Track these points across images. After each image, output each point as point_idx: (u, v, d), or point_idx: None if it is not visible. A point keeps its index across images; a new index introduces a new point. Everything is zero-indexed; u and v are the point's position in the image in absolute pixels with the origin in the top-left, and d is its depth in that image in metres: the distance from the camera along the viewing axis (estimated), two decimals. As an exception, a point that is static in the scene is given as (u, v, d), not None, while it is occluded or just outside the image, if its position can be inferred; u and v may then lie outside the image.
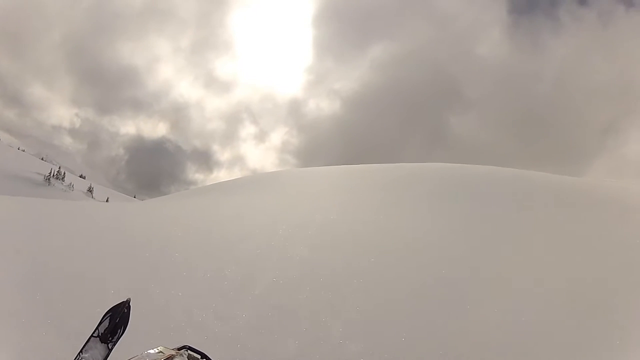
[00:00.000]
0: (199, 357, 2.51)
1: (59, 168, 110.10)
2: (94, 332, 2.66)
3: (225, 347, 4.32)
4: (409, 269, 6.47)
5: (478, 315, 4.98)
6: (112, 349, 2.64)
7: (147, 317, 4.65)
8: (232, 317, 4.95)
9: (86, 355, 2.57)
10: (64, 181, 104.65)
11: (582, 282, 5.70)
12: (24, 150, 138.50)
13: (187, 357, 2.46)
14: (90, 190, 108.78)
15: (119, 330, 2.72)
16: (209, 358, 2.52)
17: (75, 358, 2.51)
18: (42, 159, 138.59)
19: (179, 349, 2.50)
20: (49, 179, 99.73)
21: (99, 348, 2.61)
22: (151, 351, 2.32)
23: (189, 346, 2.66)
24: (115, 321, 2.71)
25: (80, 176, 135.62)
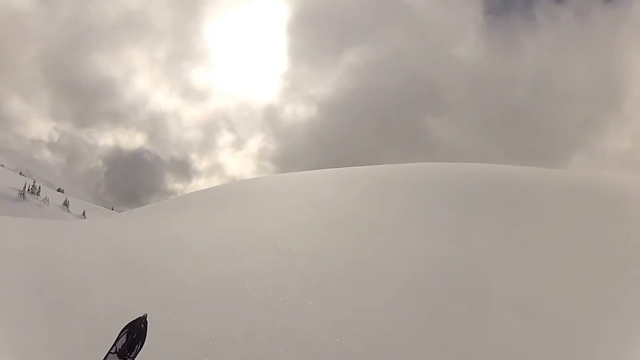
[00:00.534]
0: None
1: (34, 182, 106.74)
2: (111, 349, 2.65)
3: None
4: (400, 273, 6.55)
5: (478, 315, 5.08)
6: (131, 364, 2.63)
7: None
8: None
9: (106, 372, 2.56)
10: (39, 196, 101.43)
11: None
12: (2, 165, 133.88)
13: None
14: (66, 204, 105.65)
15: (136, 346, 2.71)
16: None
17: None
18: (20, 174, 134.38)
19: None
20: (23, 194, 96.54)
21: (117, 364, 2.60)
22: None
23: None
24: (133, 337, 2.71)
25: (59, 190, 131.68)
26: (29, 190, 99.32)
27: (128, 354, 2.65)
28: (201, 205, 14.50)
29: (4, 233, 9.65)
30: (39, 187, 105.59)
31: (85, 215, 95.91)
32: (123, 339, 2.67)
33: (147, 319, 2.85)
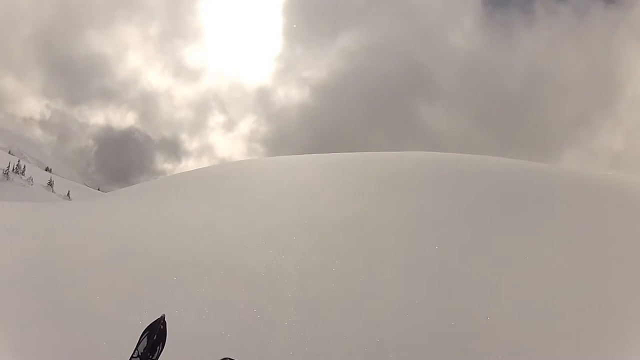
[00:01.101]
0: None
1: (19, 161, 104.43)
2: (133, 353, 2.65)
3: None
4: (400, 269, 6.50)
5: (478, 315, 5.11)
6: (155, 366, 2.63)
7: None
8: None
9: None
10: (23, 175, 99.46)
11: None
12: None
13: None
14: (50, 184, 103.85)
15: (157, 348, 2.71)
16: None
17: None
18: (9, 153, 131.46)
19: None
20: (7, 173, 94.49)
21: (141, 368, 2.60)
22: None
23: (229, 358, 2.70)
24: (153, 339, 2.70)
25: (47, 169, 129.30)
26: (13, 169, 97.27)
27: (150, 357, 2.65)
28: (191, 187, 14.22)
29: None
30: (24, 167, 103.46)
31: (70, 196, 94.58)
32: (144, 342, 2.66)
33: (165, 319, 2.85)
